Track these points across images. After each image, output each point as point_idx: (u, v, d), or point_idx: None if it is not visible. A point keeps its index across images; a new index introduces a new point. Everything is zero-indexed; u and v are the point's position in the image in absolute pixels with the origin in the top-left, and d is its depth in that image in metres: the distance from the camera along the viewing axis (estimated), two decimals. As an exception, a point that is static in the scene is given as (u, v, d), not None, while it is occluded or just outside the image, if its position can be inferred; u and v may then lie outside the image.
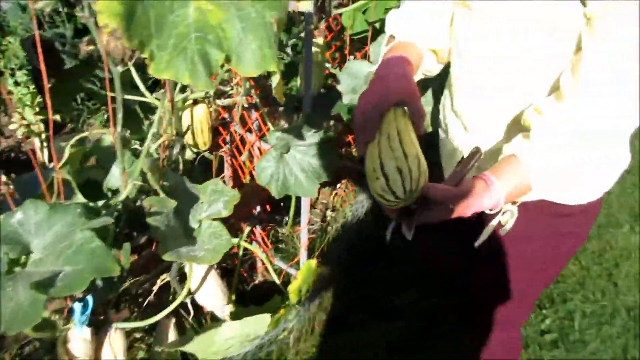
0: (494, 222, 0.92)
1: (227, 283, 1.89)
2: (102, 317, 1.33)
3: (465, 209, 0.81)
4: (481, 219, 0.91)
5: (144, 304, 1.56)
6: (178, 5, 0.70)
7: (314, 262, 1.71)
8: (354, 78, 1.68)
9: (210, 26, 0.68)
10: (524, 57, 0.92)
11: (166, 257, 1.05)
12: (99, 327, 1.30)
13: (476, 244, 0.95)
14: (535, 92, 0.94)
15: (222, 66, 0.70)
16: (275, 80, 0.73)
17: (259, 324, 1.35)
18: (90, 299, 1.22)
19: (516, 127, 0.97)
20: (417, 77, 1.09)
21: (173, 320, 1.62)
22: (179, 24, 0.69)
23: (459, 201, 0.80)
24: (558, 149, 0.83)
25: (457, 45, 1.05)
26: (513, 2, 0.88)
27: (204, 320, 1.72)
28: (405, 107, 0.88)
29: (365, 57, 1.82)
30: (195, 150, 1.67)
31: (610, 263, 2.27)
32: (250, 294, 1.94)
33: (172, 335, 1.58)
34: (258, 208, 1.79)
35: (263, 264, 1.79)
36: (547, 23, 0.87)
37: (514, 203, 0.90)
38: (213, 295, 1.55)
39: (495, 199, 0.83)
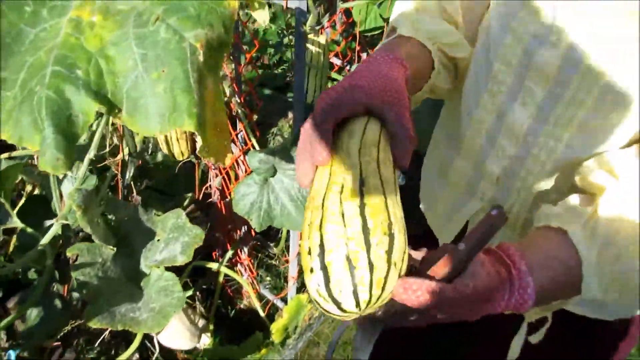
0: (520, 338, 0.63)
1: (207, 306, 1.67)
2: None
3: (469, 315, 0.51)
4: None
5: (98, 341, 1.34)
6: (50, 12, 0.44)
7: (304, 297, 1.46)
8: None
9: (84, 53, 0.42)
10: (599, 62, 0.56)
11: (94, 323, 0.81)
12: (31, 380, 1.09)
13: None
14: (602, 124, 0.60)
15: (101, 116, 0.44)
16: (203, 137, 0.46)
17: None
18: (12, 353, 1.00)
19: (562, 177, 0.64)
20: (423, 93, 0.73)
21: (135, 357, 1.40)
22: (43, 45, 0.43)
23: (460, 306, 0.50)
24: (637, 232, 0.52)
25: (487, 41, 0.68)
26: None
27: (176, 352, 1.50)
28: (380, 123, 0.55)
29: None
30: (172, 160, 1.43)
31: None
32: (233, 319, 1.71)
33: (133, 375, 1.36)
34: (244, 228, 1.55)
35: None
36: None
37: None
38: (179, 336, 1.33)
39: (518, 300, 0.52)
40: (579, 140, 0.62)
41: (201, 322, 1.51)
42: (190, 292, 1.51)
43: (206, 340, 1.57)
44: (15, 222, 1.09)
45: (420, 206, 0.90)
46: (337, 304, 0.46)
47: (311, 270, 0.46)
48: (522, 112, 0.65)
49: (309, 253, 0.47)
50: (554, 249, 0.54)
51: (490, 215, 0.51)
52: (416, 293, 0.47)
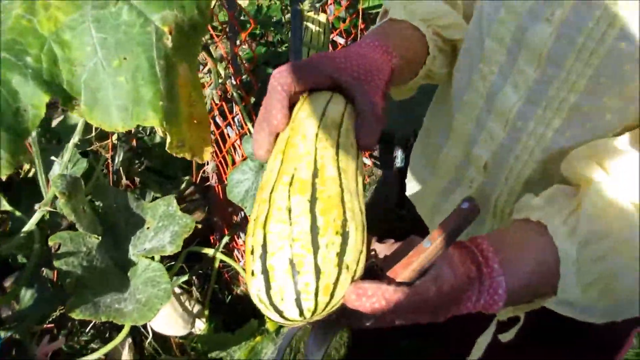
0: (486, 337, 0.59)
1: (203, 292, 1.65)
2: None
3: (432, 319, 0.47)
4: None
5: (88, 328, 1.33)
6: (2, -11, 0.39)
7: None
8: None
9: (37, 38, 0.37)
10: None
11: (76, 314, 0.79)
12: (19, 365, 1.07)
13: None
14: (595, 109, 0.54)
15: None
16: (173, 132, 0.42)
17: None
18: (-2, 341, 0.97)
19: (552, 167, 0.59)
20: (420, 79, 0.67)
21: (128, 341, 1.39)
22: (-7, 27, 0.38)
23: (422, 311, 0.45)
24: (624, 231, 0.48)
25: (480, 17, 0.62)
26: None
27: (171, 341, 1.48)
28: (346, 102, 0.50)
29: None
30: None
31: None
32: (230, 305, 1.69)
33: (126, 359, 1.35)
34: (242, 213, 1.51)
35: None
36: None
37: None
38: (172, 324, 1.31)
39: (488, 301, 0.47)
40: (570, 126, 0.57)
41: (196, 308, 1.49)
42: (185, 277, 1.49)
43: (201, 326, 1.55)
44: (4, 205, 1.06)
45: (407, 194, 0.86)
46: (279, 312, 0.41)
47: (252, 273, 0.41)
48: (512, 94, 0.60)
49: (252, 253, 0.42)
50: (532, 244, 0.49)
51: (461, 209, 0.46)
52: (371, 300, 0.42)
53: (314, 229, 0.41)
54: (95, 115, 0.38)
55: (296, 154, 0.45)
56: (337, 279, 0.41)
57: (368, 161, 1.91)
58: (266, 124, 0.49)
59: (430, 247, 0.43)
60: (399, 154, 1.88)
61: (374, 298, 0.42)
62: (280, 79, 0.49)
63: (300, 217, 0.41)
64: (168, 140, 0.41)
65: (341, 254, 0.41)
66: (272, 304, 0.41)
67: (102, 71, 0.37)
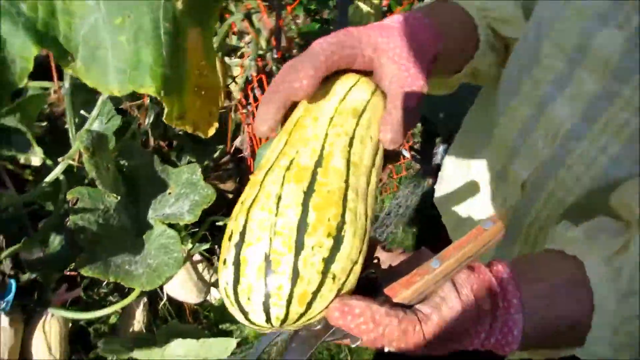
0: None
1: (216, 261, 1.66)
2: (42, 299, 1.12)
3: (427, 352, 0.41)
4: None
5: (106, 281, 1.35)
6: None
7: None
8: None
9: (36, -17, 0.34)
10: None
11: (85, 271, 0.79)
12: (35, 310, 1.10)
13: None
14: None
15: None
16: (171, 102, 0.39)
17: (220, 348, 1.10)
18: (13, 283, 1.00)
19: (600, 200, 0.52)
20: (463, 76, 0.61)
21: (144, 301, 1.41)
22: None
23: (416, 339, 0.39)
24: None
25: (540, 14, 0.55)
26: None
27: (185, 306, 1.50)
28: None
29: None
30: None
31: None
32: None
33: (139, 318, 1.37)
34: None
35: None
36: None
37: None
38: (186, 290, 1.31)
39: (500, 341, 0.40)
40: (629, 154, 0.49)
41: (215, 277, 1.50)
42: (207, 246, 1.49)
43: (217, 295, 1.56)
44: (36, 152, 1.08)
45: (434, 198, 0.80)
46: (244, 312, 0.36)
47: (224, 262, 0.37)
48: (566, 107, 0.53)
49: (229, 239, 0.37)
50: (563, 283, 0.43)
51: (482, 230, 0.40)
52: (357, 320, 0.36)
53: (302, 226, 0.36)
54: (91, 75, 0.35)
55: (303, 136, 0.40)
56: (319, 288, 0.36)
57: (407, 154, 1.84)
58: (278, 95, 0.42)
59: (439, 267, 0.38)
60: (440, 150, 1.80)
61: (361, 318, 0.36)
62: (325, 46, 0.43)
63: (289, 209, 0.36)
64: (166, 110, 0.38)
65: (329, 260, 0.36)
66: (237, 301, 0.36)
67: (102, 28, 0.34)
